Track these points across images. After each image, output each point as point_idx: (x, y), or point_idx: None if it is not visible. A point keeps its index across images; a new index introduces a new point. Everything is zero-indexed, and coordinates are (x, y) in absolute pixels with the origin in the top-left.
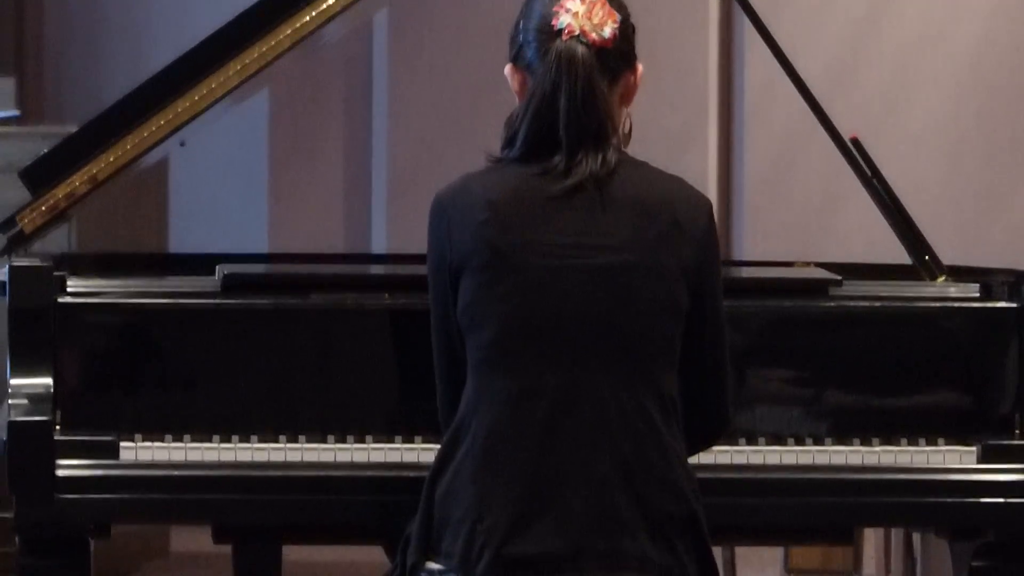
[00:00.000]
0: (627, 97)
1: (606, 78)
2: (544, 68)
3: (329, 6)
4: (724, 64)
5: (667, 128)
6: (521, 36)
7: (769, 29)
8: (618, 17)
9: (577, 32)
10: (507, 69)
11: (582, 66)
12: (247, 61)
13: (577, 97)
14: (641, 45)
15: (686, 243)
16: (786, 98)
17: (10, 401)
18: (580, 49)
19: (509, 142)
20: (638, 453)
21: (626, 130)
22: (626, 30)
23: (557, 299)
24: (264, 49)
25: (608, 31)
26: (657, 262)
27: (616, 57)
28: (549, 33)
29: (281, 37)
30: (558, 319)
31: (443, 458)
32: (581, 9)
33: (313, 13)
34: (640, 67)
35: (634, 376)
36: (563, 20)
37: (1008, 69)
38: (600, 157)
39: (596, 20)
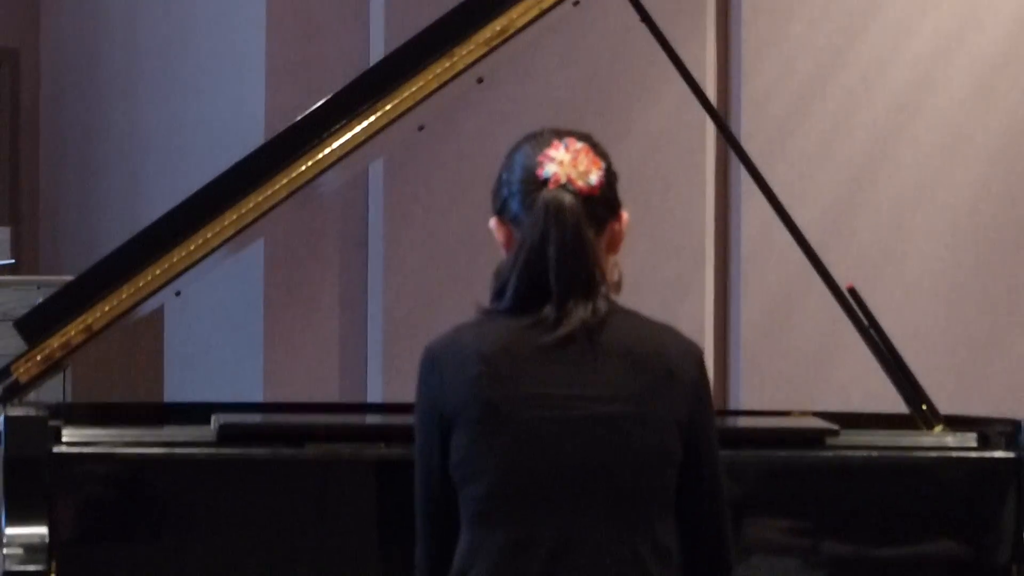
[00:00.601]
0: (614, 245)
1: (593, 227)
2: (532, 218)
3: (325, 156)
4: (721, 212)
5: (663, 277)
6: (505, 189)
7: (765, 178)
8: (602, 164)
9: (564, 180)
10: (492, 223)
11: (570, 214)
12: (243, 211)
13: (567, 246)
14: (637, 193)
15: (679, 393)
16: (783, 247)
17: (5, 551)
18: (567, 198)
19: (499, 294)
20: None
21: (615, 278)
22: (610, 178)
23: (552, 451)
24: (260, 199)
25: (595, 178)
26: (650, 412)
27: (602, 205)
28: (535, 183)
29: (277, 187)
30: (554, 471)
31: None
32: (566, 158)
33: (309, 163)
34: (625, 215)
35: (630, 526)
36: (549, 169)
37: (1005, 218)
38: (590, 306)
39: (582, 168)
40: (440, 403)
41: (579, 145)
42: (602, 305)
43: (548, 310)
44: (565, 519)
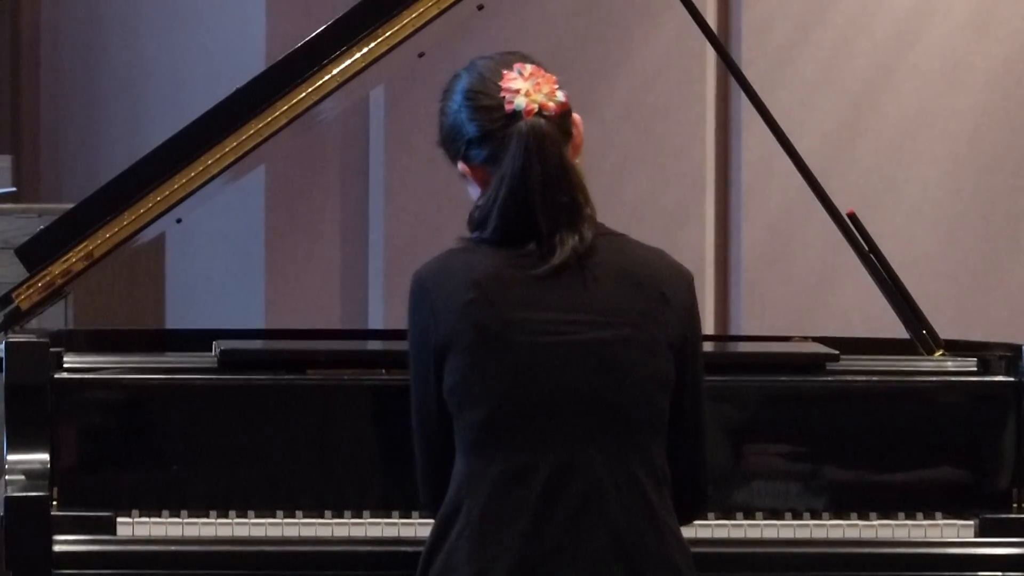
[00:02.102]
0: (576, 149)
1: (565, 141)
2: (512, 151)
3: (325, 82)
4: (721, 140)
5: (664, 204)
6: (466, 131)
7: (766, 105)
8: (554, 77)
9: (536, 108)
10: (461, 167)
11: (550, 143)
12: (243, 137)
13: (551, 177)
14: (638, 121)
15: (672, 316)
16: (783, 174)
17: (7, 477)
18: (545, 125)
19: (480, 225)
20: (631, 528)
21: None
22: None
23: (548, 376)
24: (260, 126)
25: (562, 95)
26: (646, 335)
27: (567, 116)
28: (504, 119)
29: (277, 114)
30: (551, 396)
31: (437, 538)
32: (528, 85)
33: (309, 90)
34: (578, 116)
35: (628, 449)
36: (519, 102)
37: (1005, 144)
38: (577, 235)
39: (546, 89)
40: (433, 330)
41: (530, 67)
42: (588, 232)
43: (532, 245)
44: (563, 445)
